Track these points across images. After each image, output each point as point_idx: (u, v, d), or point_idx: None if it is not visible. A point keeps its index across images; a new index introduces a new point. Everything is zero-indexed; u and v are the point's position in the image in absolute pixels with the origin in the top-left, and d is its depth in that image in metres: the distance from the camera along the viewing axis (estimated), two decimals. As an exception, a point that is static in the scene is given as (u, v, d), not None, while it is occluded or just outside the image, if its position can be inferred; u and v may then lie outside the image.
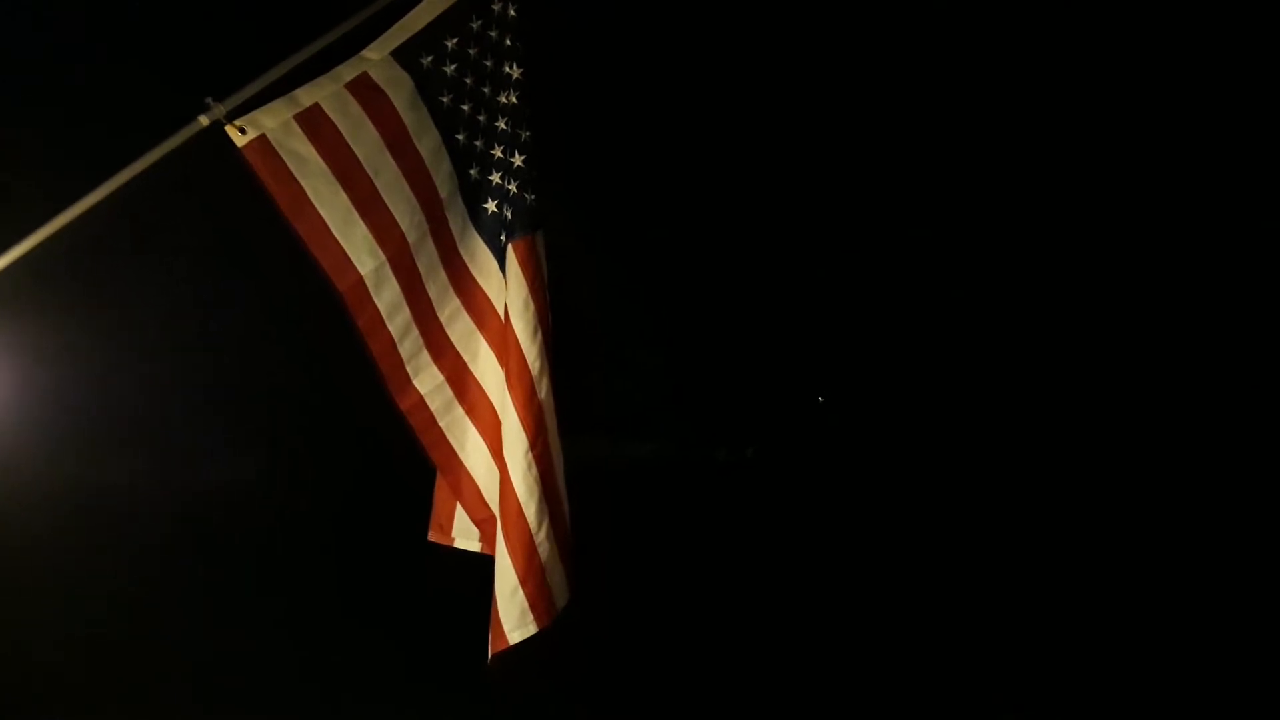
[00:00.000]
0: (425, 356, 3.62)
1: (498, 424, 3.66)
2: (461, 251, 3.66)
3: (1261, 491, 11.03)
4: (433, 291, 3.59)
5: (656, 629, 8.38)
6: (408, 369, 3.58)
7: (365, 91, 3.43)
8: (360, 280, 3.43)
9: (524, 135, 3.65)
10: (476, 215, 3.67)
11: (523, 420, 3.59)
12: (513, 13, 3.63)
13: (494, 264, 3.67)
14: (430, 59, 3.53)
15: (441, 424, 3.66)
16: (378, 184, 3.45)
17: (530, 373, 3.60)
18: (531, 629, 3.64)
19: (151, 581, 8.55)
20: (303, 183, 3.35)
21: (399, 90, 3.47)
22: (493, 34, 3.62)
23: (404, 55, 3.50)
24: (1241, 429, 12.45)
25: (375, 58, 3.47)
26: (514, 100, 3.64)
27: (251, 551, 9.37)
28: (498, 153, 3.65)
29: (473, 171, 3.64)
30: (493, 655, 3.65)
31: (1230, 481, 11.54)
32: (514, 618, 3.60)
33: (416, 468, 3.86)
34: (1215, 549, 10.12)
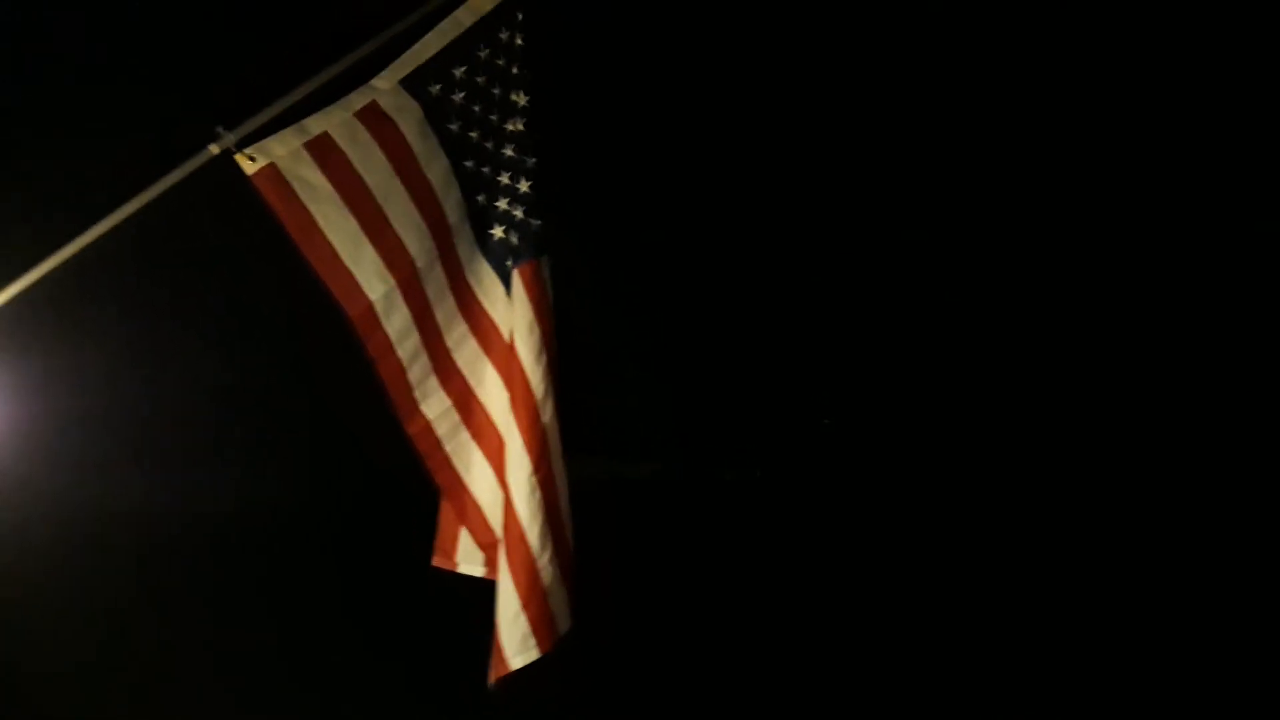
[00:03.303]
0: (433, 381, 3.65)
1: (503, 448, 3.68)
2: (469, 277, 3.69)
3: (1262, 493, 10.95)
4: (440, 317, 3.63)
5: (662, 652, 8.35)
6: (415, 394, 3.61)
7: (374, 120, 3.48)
8: (370, 306, 3.47)
9: (530, 162, 3.69)
10: (484, 241, 3.71)
11: (527, 444, 3.61)
12: (520, 41, 3.68)
13: (500, 289, 3.70)
14: (439, 87, 3.57)
15: (447, 448, 3.69)
16: (387, 211, 3.49)
17: (535, 396, 3.63)
18: (534, 654, 3.65)
19: (151, 601, 8.55)
20: (312, 210, 3.40)
21: (408, 118, 3.52)
22: (500, 62, 3.66)
23: (413, 84, 3.54)
24: (1241, 433, 12.36)
25: (384, 86, 3.51)
26: (521, 127, 3.69)
27: (254, 576, 9.37)
28: (504, 179, 3.70)
29: (480, 198, 3.69)
30: (494, 680, 3.66)
31: (1230, 486, 11.45)
32: (516, 642, 3.61)
33: (421, 492, 3.88)
34: (1216, 557, 10.05)
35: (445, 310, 3.64)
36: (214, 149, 3.36)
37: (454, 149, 3.61)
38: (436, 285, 3.60)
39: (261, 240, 3.70)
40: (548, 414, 3.69)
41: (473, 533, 3.78)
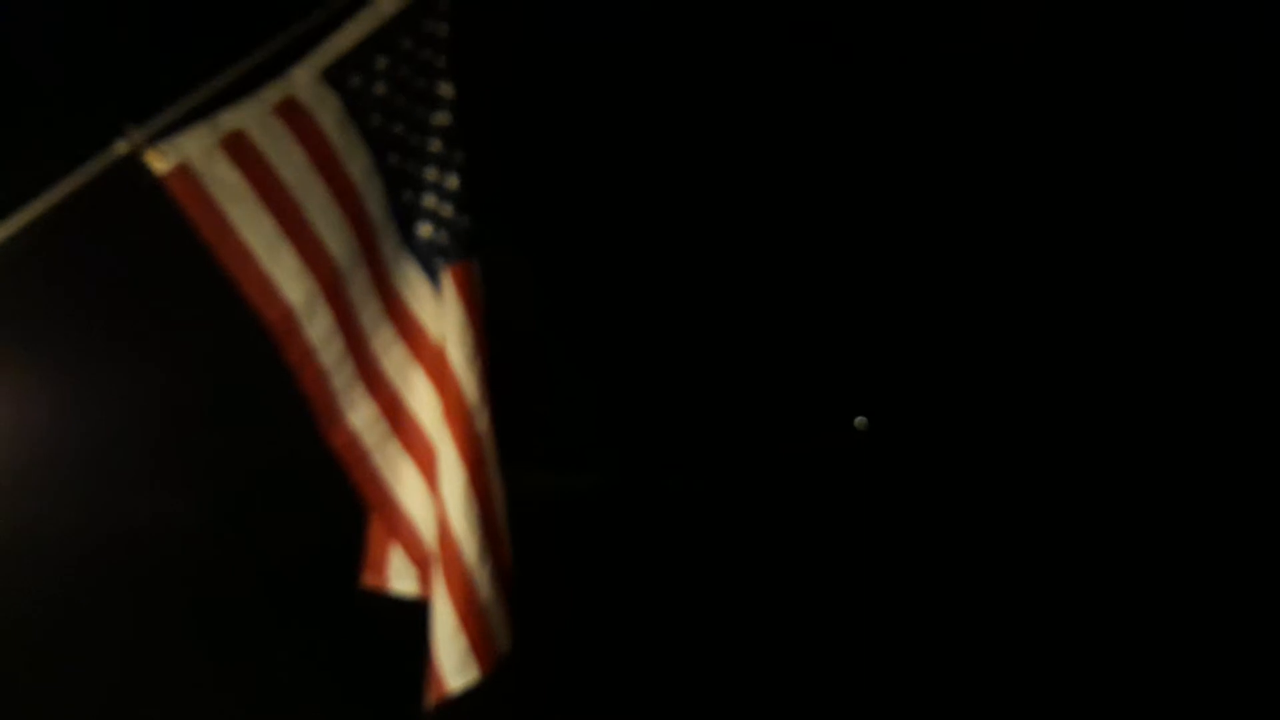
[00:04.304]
0: (360, 389, 3.47)
1: (435, 459, 3.52)
2: (395, 278, 3.53)
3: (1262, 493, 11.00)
4: (366, 320, 3.46)
5: (606, 669, 8.24)
6: (340, 402, 3.42)
7: (292, 114, 3.30)
8: (290, 310, 3.28)
9: (457, 157, 3.54)
10: (410, 240, 3.55)
11: (461, 454, 3.45)
12: (445, 32, 3.53)
13: (429, 290, 3.55)
14: (359, 79, 3.41)
15: (376, 460, 3.50)
16: (306, 209, 3.31)
17: (468, 403, 3.47)
18: (474, 674, 3.49)
19: (77, 623, 8.32)
20: (227, 210, 3.21)
21: (327, 112, 3.35)
22: (424, 53, 3.52)
23: (332, 76, 3.38)
24: (1241, 434, 12.44)
25: (302, 79, 3.35)
26: (447, 121, 3.54)
27: (180, 594, 9.13)
28: (431, 175, 3.54)
29: (405, 195, 3.52)
30: (432, 703, 3.50)
31: (1230, 487, 11.49)
32: (454, 663, 3.45)
33: (351, 507, 3.71)
34: (1216, 559, 10.07)
35: (370, 313, 3.47)
36: (122, 147, 3.17)
37: (376, 144, 3.45)
38: (361, 287, 3.43)
39: (176, 244, 3.51)
40: (483, 422, 3.54)
41: (405, 549, 3.60)
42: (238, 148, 3.23)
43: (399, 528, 3.58)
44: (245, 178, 3.24)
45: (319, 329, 3.32)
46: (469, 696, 3.52)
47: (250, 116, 3.27)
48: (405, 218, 3.53)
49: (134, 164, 3.19)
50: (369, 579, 3.69)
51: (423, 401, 3.55)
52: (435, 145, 3.53)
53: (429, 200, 3.54)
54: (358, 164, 3.40)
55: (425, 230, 3.54)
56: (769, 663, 8.58)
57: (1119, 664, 8.02)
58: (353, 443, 3.45)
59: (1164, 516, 11.33)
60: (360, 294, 3.42)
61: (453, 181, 3.53)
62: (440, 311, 3.51)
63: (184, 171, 3.16)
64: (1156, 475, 12.21)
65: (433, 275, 3.54)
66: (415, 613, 3.57)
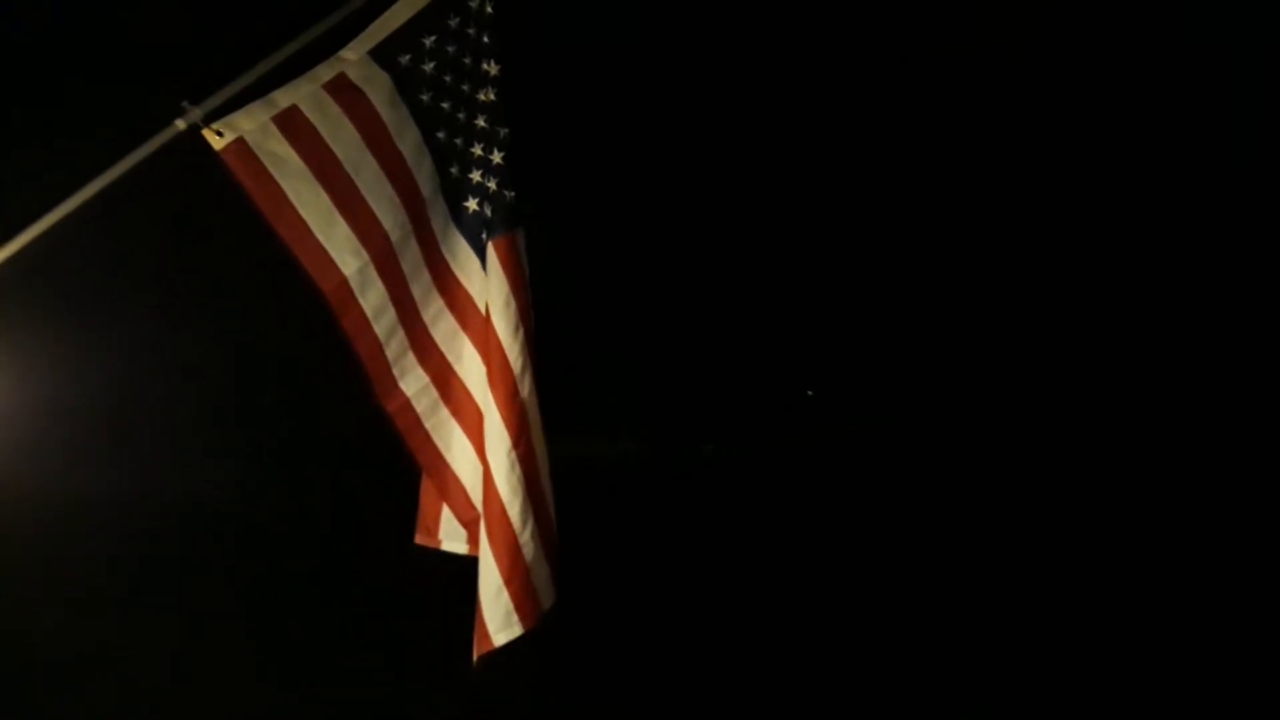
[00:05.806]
0: (411, 357, 3.59)
1: (482, 424, 3.64)
2: (444, 250, 3.64)
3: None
4: (417, 291, 3.57)
5: (644, 629, 8.36)
6: (394, 370, 3.56)
7: (343, 91, 3.41)
8: (344, 281, 3.40)
9: (503, 132, 3.64)
10: (458, 213, 3.65)
11: (505, 419, 3.57)
12: (490, 10, 3.61)
13: (476, 262, 3.65)
14: (408, 57, 3.51)
15: (427, 425, 3.64)
16: (359, 184, 3.42)
17: (512, 371, 3.58)
18: (517, 630, 3.62)
19: (130, 591, 8.49)
20: (283, 184, 3.32)
21: (377, 89, 3.45)
22: (471, 31, 3.60)
23: (382, 54, 3.47)
24: (1240, 441, 12.36)
25: (353, 58, 3.44)
26: (492, 97, 3.63)
27: (234, 559, 9.31)
28: (477, 150, 3.64)
29: (453, 170, 3.63)
30: (477, 657, 3.63)
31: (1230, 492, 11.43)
32: (499, 619, 3.58)
33: (402, 470, 3.84)
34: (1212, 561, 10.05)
35: (421, 285, 3.58)
36: (180, 124, 3.28)
37: (425, 120, 3.54)
38: (412, 260, 3.54)
39: (230, 219, 3.63)
40: (526, 389, 3.64)
41: (455, 509, 3.74)
42: (291, 124, 3.33)
43: (449, 489, 3.71)
44: (299, 152, 3.34)
45: (373, 299, 3.45)
46: (514, 650, 3.65)
47: (303, 94, 3.37)
48: (453, 192, 3.63)
49: (192, 139, 3.31)
50: (421, 538, 3.83)
51: (470, 370, 3.67)
52: (481, 121, 3.62)
53: (475, 175, 3.64)
54: (408, 140, 3.50)
55: (472, 204, 3.65)
56: (799, 621, 8.69)
57: (1118, 659, 8.05)
58: (406, 409, 3.59)
59: (1162, 515, 11.33)
60: (411, 266, 3.54)
61: (497, 156, 3.63)
62: (486, 283, 3.62)
63: (240, 146, 3.27)
64: (1153, 471, 12.18)
65: (479, 248, 3.64)
66: (465, 571, 3.70)
